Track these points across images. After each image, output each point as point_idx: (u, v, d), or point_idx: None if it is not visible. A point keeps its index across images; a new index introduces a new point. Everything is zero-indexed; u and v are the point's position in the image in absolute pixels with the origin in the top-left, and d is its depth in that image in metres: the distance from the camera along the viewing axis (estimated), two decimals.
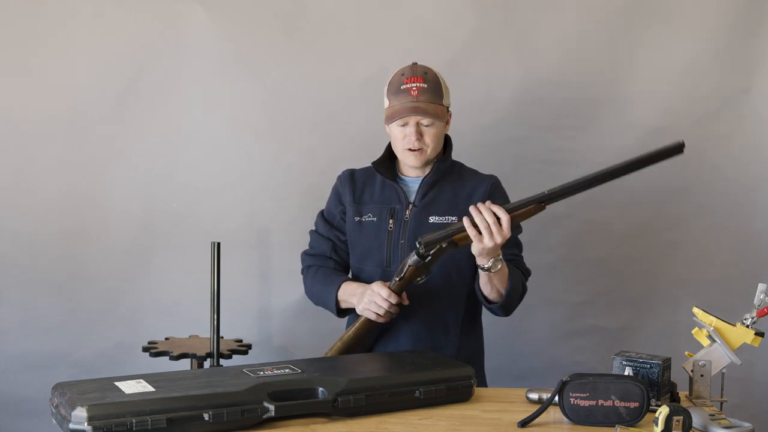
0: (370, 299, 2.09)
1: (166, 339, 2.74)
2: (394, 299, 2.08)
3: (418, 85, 2.16)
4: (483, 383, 2.24)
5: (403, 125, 2.18)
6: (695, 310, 1.93)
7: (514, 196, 2.87)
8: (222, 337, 2.60)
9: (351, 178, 2.32)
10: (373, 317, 2.11)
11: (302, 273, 2.38)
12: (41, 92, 2.82)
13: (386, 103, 2.23)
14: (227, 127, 2.87)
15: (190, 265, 2.83)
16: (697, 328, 1.93)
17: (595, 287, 2.95)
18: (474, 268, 2.16)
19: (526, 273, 2.25)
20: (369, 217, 2.25)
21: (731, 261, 2.92)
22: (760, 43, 2.84)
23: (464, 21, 2.85)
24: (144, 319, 2.88)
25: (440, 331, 2.21)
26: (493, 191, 2.23)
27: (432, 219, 2.20)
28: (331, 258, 2.31)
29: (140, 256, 2.89)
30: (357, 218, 2.26)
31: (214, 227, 2.78)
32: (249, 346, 2.68)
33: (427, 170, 2.25)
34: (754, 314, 1.88)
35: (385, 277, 2.17)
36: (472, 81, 2.86)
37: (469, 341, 2.26)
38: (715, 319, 1.89)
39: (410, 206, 2.22)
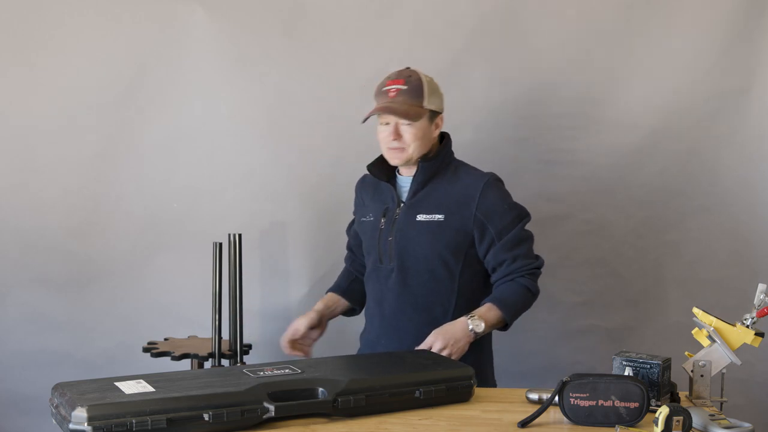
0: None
1: (166, 339, 2.74)
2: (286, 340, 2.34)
3: (397, 87, 2.22)
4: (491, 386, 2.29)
5: (385, 124, 2.24)
6: (695, 310, 1.93)
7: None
8: (221, 338, 2.60)
9: (361, 183, 2.43)
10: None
11: None
12: (41, 93, 2.82)
13: (373, 103, 2.29)
14: (227, 127, 2.87)
15: (191, 265, 2.83)
16: (697, 328, 1.93)
17: (595, 287, 2.95)
18: (463, 265, 2.23)
19: (531, 272, 2.24)
20: (369, 217, 2.34)
21: (731, 261, 2.92)
22: (759, 43, 2.84)
23: (464, 21, 2.85)
24: (144, 319, 2.88)
25: (426, 327, 2.19)
26: (485, 191, 2.23)
27: (419, 217, 2.23)
28: (351, 256, 2.53)
29: (141, 257, 2.89)
30: (362, 219, 2.38)
31: (215, 227, 2.77)
32: (249, 346, 2.68)
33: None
34: (754, 314, 1.88)
35: (378, 273, 2.28)
36: (472, 81, 2.86)
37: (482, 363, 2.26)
38: (715, 319, 1.89)
39: (401, 205, 2.27)
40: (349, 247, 2.53)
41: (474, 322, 2.13)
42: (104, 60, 2.81)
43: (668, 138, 2.90)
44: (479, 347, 2.26)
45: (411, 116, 2.19)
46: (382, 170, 2.33)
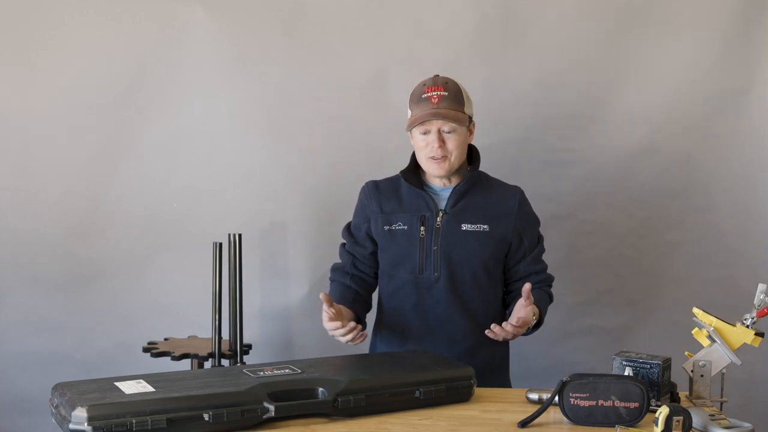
0: (331, 335, 2.13)
1: (165, 339, 2.74)
2: (327, 327, 2.10)
3: (439, 93, 2.18)
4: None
5: (425, 133, 2.20)
6: (695, 310, 1.93)
7: None
8: (221, 338, 2.60)
9: (376, 189, 2.34)
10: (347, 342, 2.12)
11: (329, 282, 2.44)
12: (41, 93, 2.82)
13: (408, 113, 2.26)
14: (227, 127, 2.87)
15: (191, 265, 2.84)
16: (697, 328, 1.94)
17: (595, 287, 2.95)
18: (500, 272, 2.29)
19: (551, 285, 2.37)
20: (399, 225, 2.27)
21: (731, 261, 2.93)
22: (759, 43, 2.84)
23: (464, 21, 2.85)
24: (144, 319, 2.88)
25: (474, 333, 2.23)
26: (521, 204, 2.29)
27: (465, 227, 2.23)
28: (348, 273, 2.34)
29: (141, 257, 2.89)
30: (386, 227, 2.28)
31: (215, 227, 2.78)
32: (249, 346, 2.68)
33: (454, 179, 2.28)
34: (754, 314, 1.88)
35: (417, 283, 2.24)
36: (472, 81, 2.83)
37: (503, 346, 2.33)
38: (715, 319, 1.89)
39: (441, 214, 2.24)
40: (350, 264, 2.34)
41: (533, 322, 2.17)
42: (104, 60, 2.81)
43: (668, 138, 2.90)
44: (507, 347, 2.35)
45: (460, 121, 2.18)
46: (415, 177, 2.30)
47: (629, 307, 2.96)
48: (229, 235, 2.60)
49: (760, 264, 2.88)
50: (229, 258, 2.59)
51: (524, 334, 2.25)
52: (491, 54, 2.87)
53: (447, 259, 2.22)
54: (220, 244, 2.59)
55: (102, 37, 2.81)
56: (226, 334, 2.61)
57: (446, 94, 2.18)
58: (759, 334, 1.87)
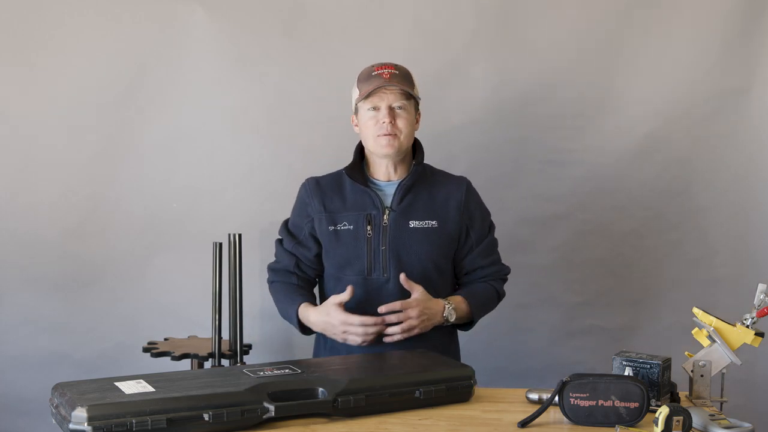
0: (343, 331, 2.07)
1: (165, 339, 2.74)
2: (359, 320, 2.05)
3: (389, 71, 2.16)
4: None
5: (374, 109, 2.15)
6: (695, 310, 1.93)
7: (514, 197, 2.89)
8: (221, 338, 2.60)
9: (318, 186, 2.26)
10: (359, 344, 2.09)
11: (268, 284, 2.36)
12: (41, 93, 2.82)
13: (355, 93, 2.20)
14: (227, 127, 2.87)
15: (191, 265, 2.84)
16: (697, 328, 1.94)
17: (595, 287, 2.95)
18: (450, 268, 2.24)
19: (503, 278, 2.32)
20: (344, 225, 2.19)
21: (731, 261, 2.93)
22: (759, 43, 2.84)
23: (464, 21, 2.85)
24: (144, 319, 2.88)
25: (424, 335, 2.16)
26: (468, 196, 2.24)
27: (412, 224, 2.17)
28: (293, 273, 2.27)
29: (141, 257, 2.89)
30: (331, 227, 2.20)
31: (215, 227, 2.78)
32: (249, 346, 2.68)
33: (400, 172, 2.23)
34: (754, 314, 1.88)
35: (366, 286, 2.16)
36: (472, 81, 2.86)
37: (453, 347, 2.27)
38: (715, 319, 1.89)
39: (387, 211, 2.18)
40: (293, 264, 2.26)
41: (449, 312, 2.13)
42: (104, 60, 2.81)
43: (668, 138, 2.90)
44: (449, 331, 2.26)
45: (410, 99, 2.15)
46: (359, 174, 2.24)
47: (629, 307, 2.96)
48: (229, 235, 2.59)
49: (760, 264, 2.88)
50: (229, 258, 2.59)
51: (461, 328, 2.23)
52: (491, 54, 2.87)
53: (396, 259, 2.15)
54: (220, 244, 2.58)
55: (102, 37, 2.81)
56: (226, 334, 2.61)
57: (397, 72, 2.17)
58: (759, 334, 1.88)
